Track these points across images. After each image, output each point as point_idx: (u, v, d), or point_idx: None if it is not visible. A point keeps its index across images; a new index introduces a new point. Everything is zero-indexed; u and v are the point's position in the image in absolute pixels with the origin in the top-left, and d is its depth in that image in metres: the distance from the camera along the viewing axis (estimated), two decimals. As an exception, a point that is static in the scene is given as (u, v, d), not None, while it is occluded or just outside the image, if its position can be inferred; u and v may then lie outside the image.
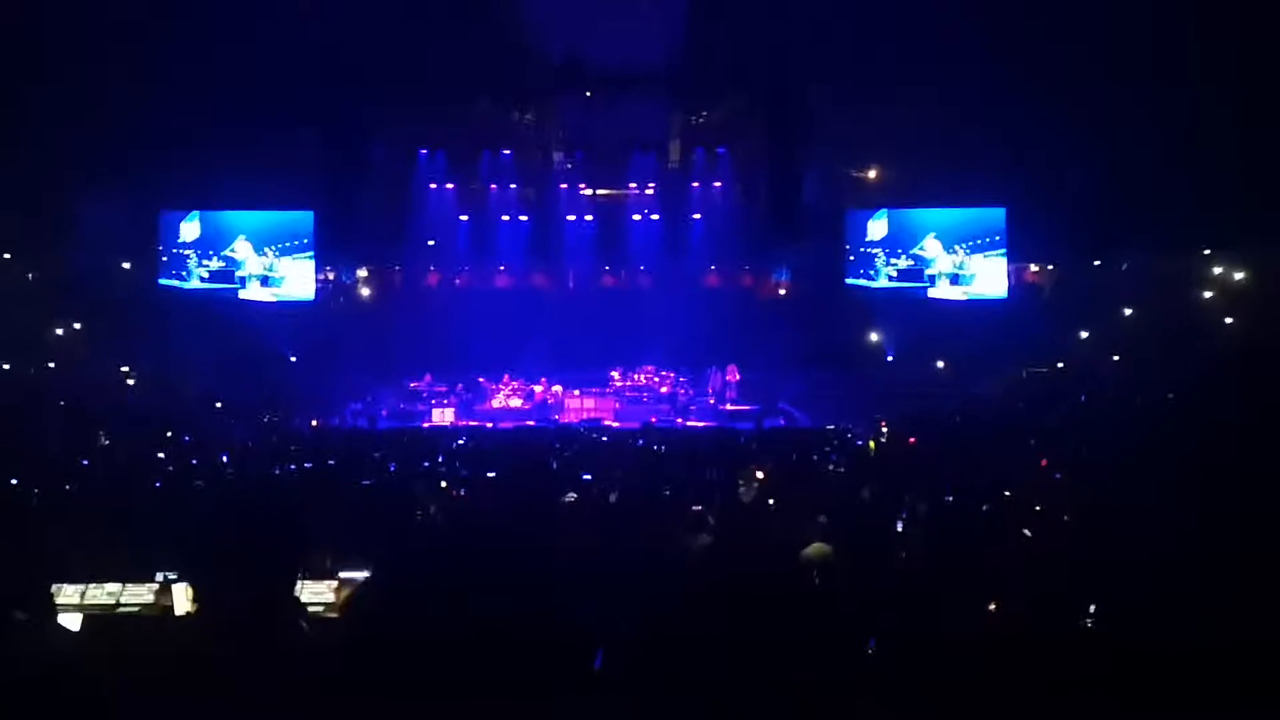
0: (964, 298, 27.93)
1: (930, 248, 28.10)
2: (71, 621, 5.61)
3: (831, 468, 13.64)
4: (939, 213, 28.30)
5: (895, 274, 28.31)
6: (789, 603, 4.13)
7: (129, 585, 6.74)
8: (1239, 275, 24.99)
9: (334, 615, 6.31)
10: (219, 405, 23.50)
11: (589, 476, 10.98)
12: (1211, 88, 21.41)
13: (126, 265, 28.69)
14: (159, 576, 6.74)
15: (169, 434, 18.65)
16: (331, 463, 14.09)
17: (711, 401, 25.43)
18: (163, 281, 28.26)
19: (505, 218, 29.95)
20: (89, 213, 25.17)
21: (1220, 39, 20.70)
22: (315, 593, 6.75)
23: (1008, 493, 9.51)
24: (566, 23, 25.62)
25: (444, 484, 11.22)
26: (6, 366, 23.22)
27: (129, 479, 12.26)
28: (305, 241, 28.55)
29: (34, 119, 23.18)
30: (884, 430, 21.01)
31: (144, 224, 27.97)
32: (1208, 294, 25.37)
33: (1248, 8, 20.29)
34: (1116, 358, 24.53)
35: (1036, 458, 13.43)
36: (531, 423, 23.84)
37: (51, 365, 24.23)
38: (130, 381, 25.00)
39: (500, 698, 3.55)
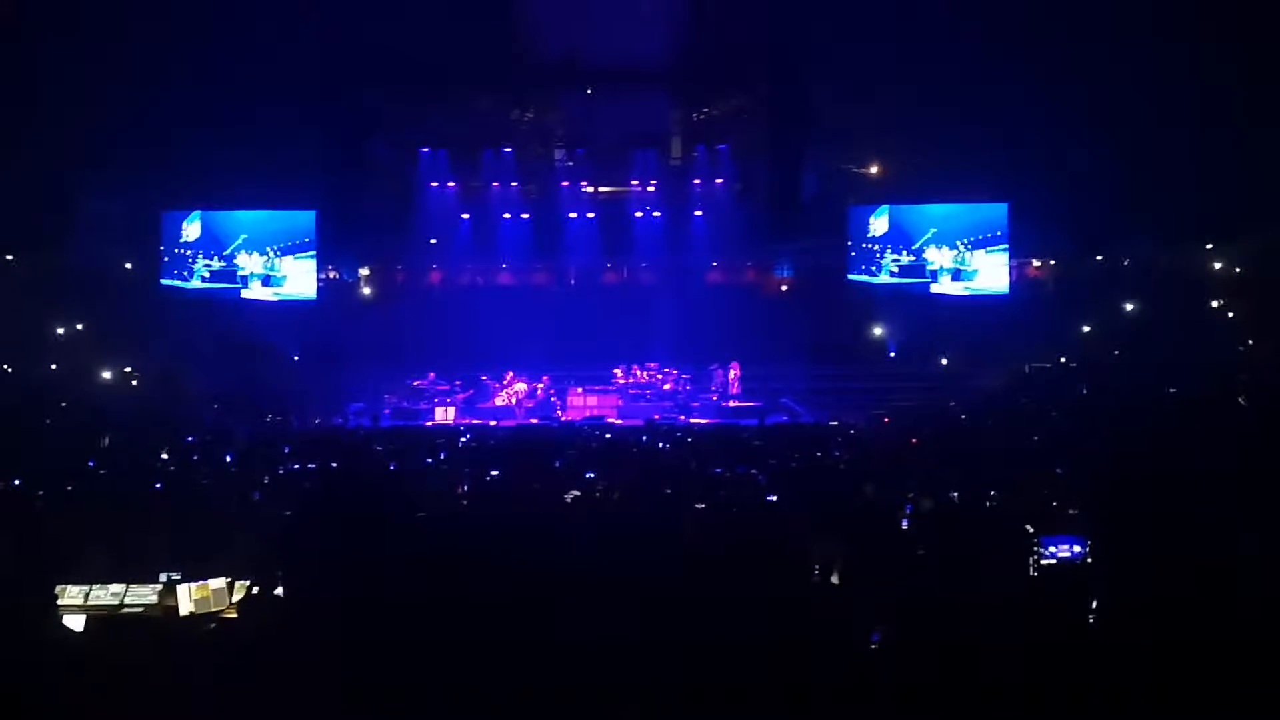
0: (966, 293, 27.88)
1: (932, 255, 28.05)
2: (75, 622, 5.63)
3: (835, 463, 13.61)
4: (941, 208, 28.25)
5: (897, 269, 28.26)
6: (793, 603, 4.13)
7: (133, 586, 6.77)
8: (1240, 269, 24.96)
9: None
10: (222, 405, 23.47)
11: (592, 475, 10.98)
12: (1213, 80, 21.38)
13: (129, 265, 28.71)
14: (163, 577, 6.76)
15: (172, 434, 18.64)
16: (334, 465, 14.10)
17: (714, 398, 25.41)
18: (165, 281, 28.25)
19: (507, 215, 29.93)
20: (91, 213, 25.18)
21: (1222, 32, 20.67)
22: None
23: (1011, 488, 9.50)
24: (567, 20, 25.58)
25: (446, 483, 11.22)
26: (9, 368, 23.24)
27: (132, 480, 12.27)
28: (307, 241, 28.54)
29: (35, 119, 23.19)
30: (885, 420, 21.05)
31: (146, 224, 27.97)
32: (1210, 287, 25.33)
33: (1248, 5, 20.27)
34: (1118, 352, 24.51)
35: (1040, 454, 13.41)
36: (535, 420, 23.85)
37: (54, 366, 24.23)
38: (133, 382, 25.00)
39: (504, 698, 3.55)
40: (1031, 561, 6.38)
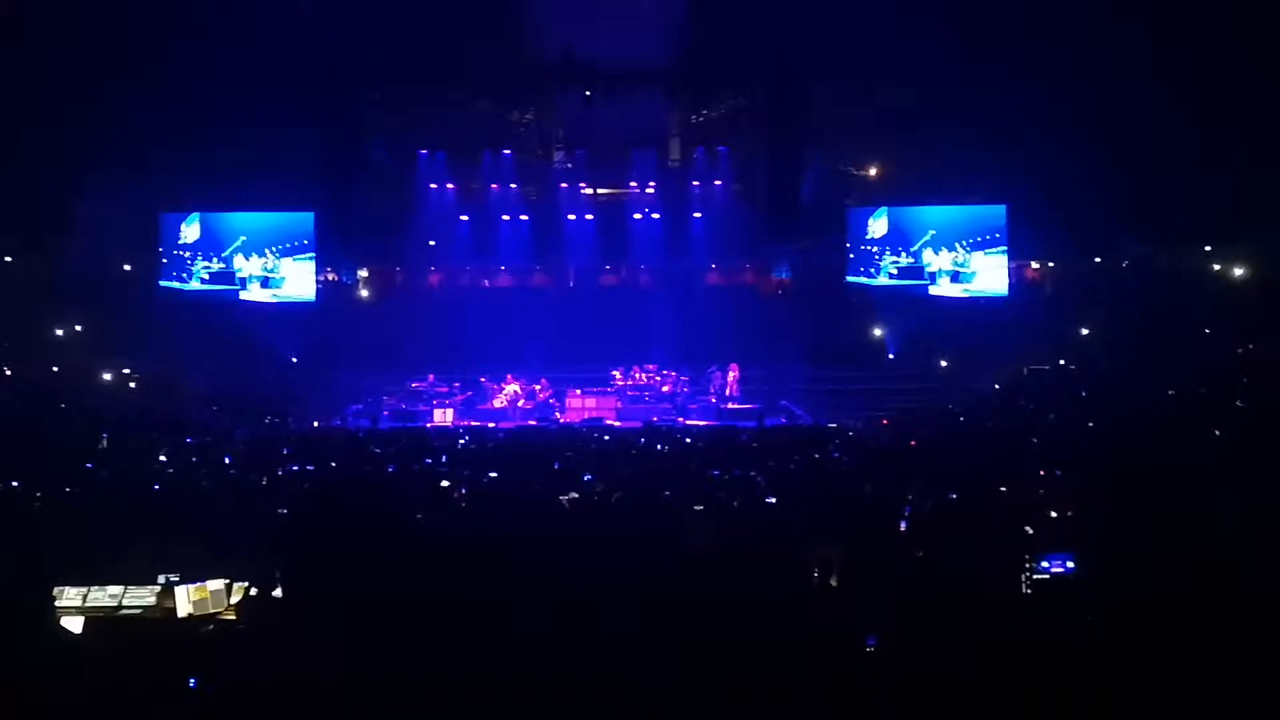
0: (965, 295, 27.89)
1: (930, 257, 28.05)
2: (74, 623, 5.63)
3: (834, 465, 13.62)
4: (939, 210, 28.26)
5: (896, 271, 28.27)
6: (792, 605, 4.13)
7: (131, 587, 6.76)
8: (1240, 271, 24.98)
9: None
10: (221, 406, 23.46)
11: (590, 477, 10.98)
12: (1212, 83, 21.40)
13: (128, 267, 28.70)
14: (161, 578, 6.76)
15: (171, 435, 18.64)
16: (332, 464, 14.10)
17: (713, 400, 25.40)
18: (164, 283, 28.25)
19: (506, 217, 29.94)
20: (90, 215, 25.18)
21: (1220, 34, 20.70)
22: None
23: (1009, 490, 9.51)
24: (566, 21, 25.61)
25: (445, 484, 11.23)
26: (9, 369, 23.24)
27: (130, 481, 12.27)
28: (306, 242, 28.53)
29: (34, 120, 23.18)
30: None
31: (145, 226, 27.96)
32: (1209, 289, 25.32)
33: (1248, 6, 20.30)
34: (1116, 354, 24.50)
35: (1038, 455, 13.42)
36: (533, 422, 23.83)
37: (55, 368, 24.23)
38: (132, 384, 24.99)
39: (503, 699, 3.56)
40: (1025, 578, 6.40)
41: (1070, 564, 6.44)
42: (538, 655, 3.66)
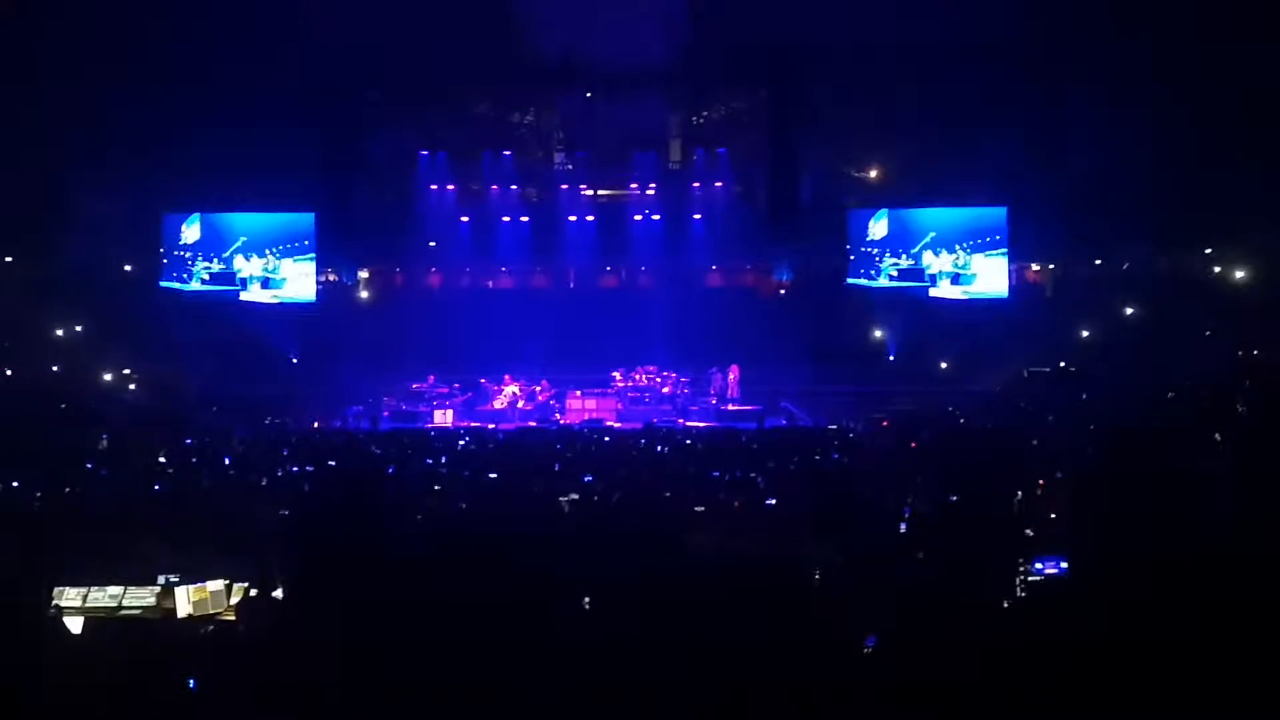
0: (965, 297, 27.89)
1: (930, 259, 28.06)
2: (74, 623, 5.64)
3: (834, 466, 13.62)
4: (940, 212, 28.27)
5: (896, 273, 28.28)
6: (790, 604, 4.13)
7: (131, 588, 6.77)
8: (1240, 273, 24.98)
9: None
10: (221, 407, 23.45)
11: (590, 478, 10.98)
12: (1213, 85, 21.42)
13: (128, 268, 28.70)
14: (161, 579, 6.76)
15: (171, 436, 18.63)
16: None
17: (713, 401, 25.40)
18: (164, 284, 28.25)
19: (506, 218, 29.91)
20: (91, 215, 25.21)
21: (1220, 34, 20.72)
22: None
23: (1009, 492, 9.50)
24: (567, 23, 25.59)
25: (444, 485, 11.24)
26: (9, 369, 23.24)
27: (130, 481, 12.27)
28: (306, 243, 28.54)
29: (35, 120, 23.20)
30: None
31: (145, 226, 27.97)
32: (1210, 291, 25.33)
33: (1248, 6, 20.32)
34: (1117, 356, 24.51)
35: (1038, 457, 13.41)
36: (533, 423, 23.83)
37: (55, 368, 24.23)
38: (132, 384, 24.99)
39: (503, 698, 3.56)
40: (1019, 582, 6.41)
41: (1064, 564, 6.44)
42: (538, 655, 3.66)
